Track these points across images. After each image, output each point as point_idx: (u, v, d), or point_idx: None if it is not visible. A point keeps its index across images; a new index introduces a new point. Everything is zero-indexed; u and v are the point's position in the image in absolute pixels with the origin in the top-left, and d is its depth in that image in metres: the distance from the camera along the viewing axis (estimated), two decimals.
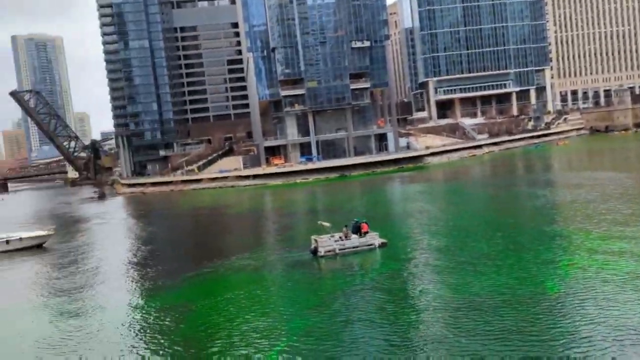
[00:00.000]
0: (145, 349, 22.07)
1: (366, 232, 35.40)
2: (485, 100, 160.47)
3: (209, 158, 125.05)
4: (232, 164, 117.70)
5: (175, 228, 61.46)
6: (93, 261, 43.14)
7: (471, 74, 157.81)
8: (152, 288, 32.27)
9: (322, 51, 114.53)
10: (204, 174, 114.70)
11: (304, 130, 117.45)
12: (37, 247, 50.59)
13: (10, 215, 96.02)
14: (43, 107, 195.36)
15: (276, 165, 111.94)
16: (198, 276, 33.60)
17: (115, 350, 21.83)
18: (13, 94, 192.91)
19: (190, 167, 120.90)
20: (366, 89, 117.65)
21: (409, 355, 18.73)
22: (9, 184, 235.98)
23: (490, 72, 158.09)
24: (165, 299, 29.40)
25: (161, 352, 21.55)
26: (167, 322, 25.22)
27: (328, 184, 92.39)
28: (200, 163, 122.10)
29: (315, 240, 34.99)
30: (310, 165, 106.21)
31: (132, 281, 34.64)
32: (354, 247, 34.78)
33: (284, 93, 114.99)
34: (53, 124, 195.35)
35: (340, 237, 35.06)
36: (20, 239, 50.76)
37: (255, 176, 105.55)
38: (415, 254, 33.82)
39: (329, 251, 34.20)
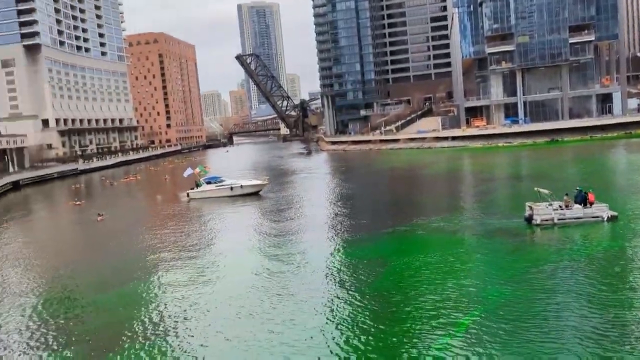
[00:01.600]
0: (338, 297, 23.16)
1: (592, 203, 31.52)
2: None
3: (408, 118, 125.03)
4: (430, 125, 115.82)
5: (373, 185, 63.20)
6: (300, 210, 47.01)
7: None
8: (350, 240, 33.74)
9: (537, 2, 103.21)
10: (402, 134, 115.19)
11: (510, 90, 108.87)
12: (254, 195, 57.10)
13: (233, 165, 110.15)
14: (261, 69, 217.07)
15: (477, 127, 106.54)
16: (393, 233, 34.06)
17: (310, 295, 23.44)
18: (238, 57, 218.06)
19: (388, 127, 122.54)
20: (589, 42, 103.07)
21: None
22: (234, 138, 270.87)
23: None
24: (361, 251, 30.49)
25: (352, 302, 22.39)
26: (360, 275, 26.06)
27: (535, 149, 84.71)
28: (399, 123, 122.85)
29: (530, 208, 32.34)
30: (515, 128, 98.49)
31: (332, 231, 36.67)
32: (576, 218, 31.28)
33: (490, 50, 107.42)
34: (269, 85, 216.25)
35: (559, 206, 31.79)
36: (241, 186, 57.82)
37: (453, 138, 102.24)
38: None
39: (546, 220, 31.35)
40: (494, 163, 75.11)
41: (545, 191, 32.13)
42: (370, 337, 18.86)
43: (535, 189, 33.30)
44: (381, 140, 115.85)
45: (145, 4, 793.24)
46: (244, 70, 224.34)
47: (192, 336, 20.22)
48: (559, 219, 31.31)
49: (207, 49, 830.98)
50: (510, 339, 17.50)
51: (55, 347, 20.43)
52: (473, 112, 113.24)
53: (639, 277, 22.43)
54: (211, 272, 28.77)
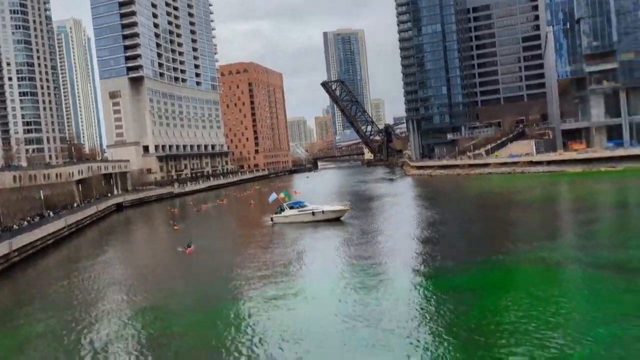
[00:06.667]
0: (423, 332, 21.67)
1: None
2: None
3: (498, 142, 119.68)
4: (523, 149, 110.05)
5: (462, 212, 60.52)
6: (382, 237, 45.75)
7: None
8: (438, 269, 32.06)
9: None
10: (492, 159, 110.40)
11: (613, 111, 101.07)
12: (336, 220, 56.64)
13: (315, 190, 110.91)
14: (346, 95, 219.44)
15: (575, 150, 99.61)
16: (486, 263, 31.93)
17: (391, 327, 22.18)
18: (323, 84, 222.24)
19: (477, 151, 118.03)
20: None
21: None
22: (318, 163, 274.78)
23: None
24: (450, 282, 28.78)
25: (440, 339, 20.83)
26: (449, 309, 24.34)
27: None
28: (489, 147, 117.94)
29: None
30: (620, 152, 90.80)
31: (418, 259, 35.10)
32: None
33: (589, 69, 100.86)
34: (354, 110, 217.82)
35: None
36: (323, 211, 57.63)
37: (549, 162, 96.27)
38: None
39: None
40: (595, 190, 69.34)
41: None
42: None
43: None
44: (470, 165, 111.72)
45: (235, 34, 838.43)
46: (329, 96, 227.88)
47: None
48: None
49: (293, 76, 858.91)
50: None
51: None
52: (571, 135, 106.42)
53: None
54: (291, 298, 28.40)
